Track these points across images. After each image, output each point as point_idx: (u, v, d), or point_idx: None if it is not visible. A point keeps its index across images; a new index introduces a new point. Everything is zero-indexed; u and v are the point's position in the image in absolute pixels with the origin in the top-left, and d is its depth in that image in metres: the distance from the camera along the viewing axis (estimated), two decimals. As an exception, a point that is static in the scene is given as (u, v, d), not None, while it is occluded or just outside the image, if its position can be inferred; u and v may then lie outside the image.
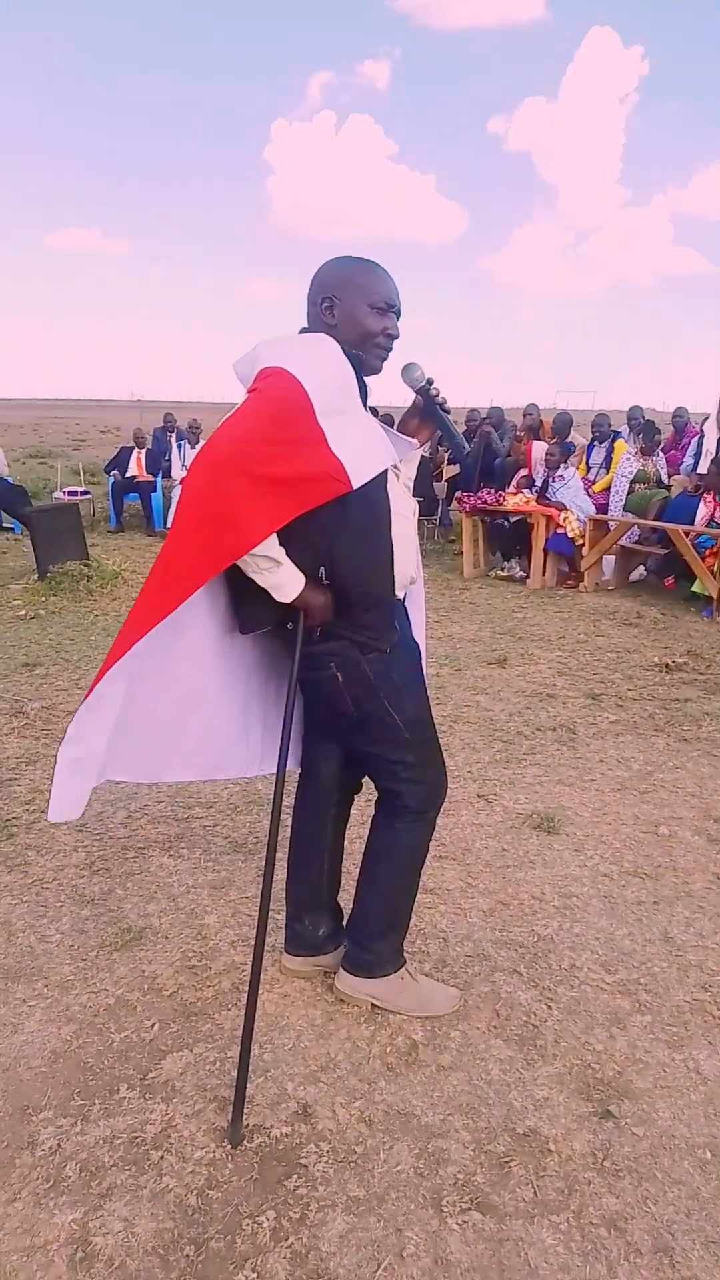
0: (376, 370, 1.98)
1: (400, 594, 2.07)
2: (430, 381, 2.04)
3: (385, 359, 1.99)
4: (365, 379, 1.95)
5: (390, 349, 1.99)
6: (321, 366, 1.82)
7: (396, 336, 1.97)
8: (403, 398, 2.19)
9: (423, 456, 2.48)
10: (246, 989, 2.28)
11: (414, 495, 2.18)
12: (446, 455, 9.64)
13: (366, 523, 1.90)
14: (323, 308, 1.94)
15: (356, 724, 2.06)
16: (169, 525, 9.76)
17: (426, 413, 2.08)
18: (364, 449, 1.84)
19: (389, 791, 2.15)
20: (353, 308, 1.93)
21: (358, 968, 2.22)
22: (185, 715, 2.07)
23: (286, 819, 2.35)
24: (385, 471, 1.90)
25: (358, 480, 1.80)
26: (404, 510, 2.03)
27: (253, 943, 2.47)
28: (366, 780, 2.28)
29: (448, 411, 2.08)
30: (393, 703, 2.03)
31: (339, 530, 1.87)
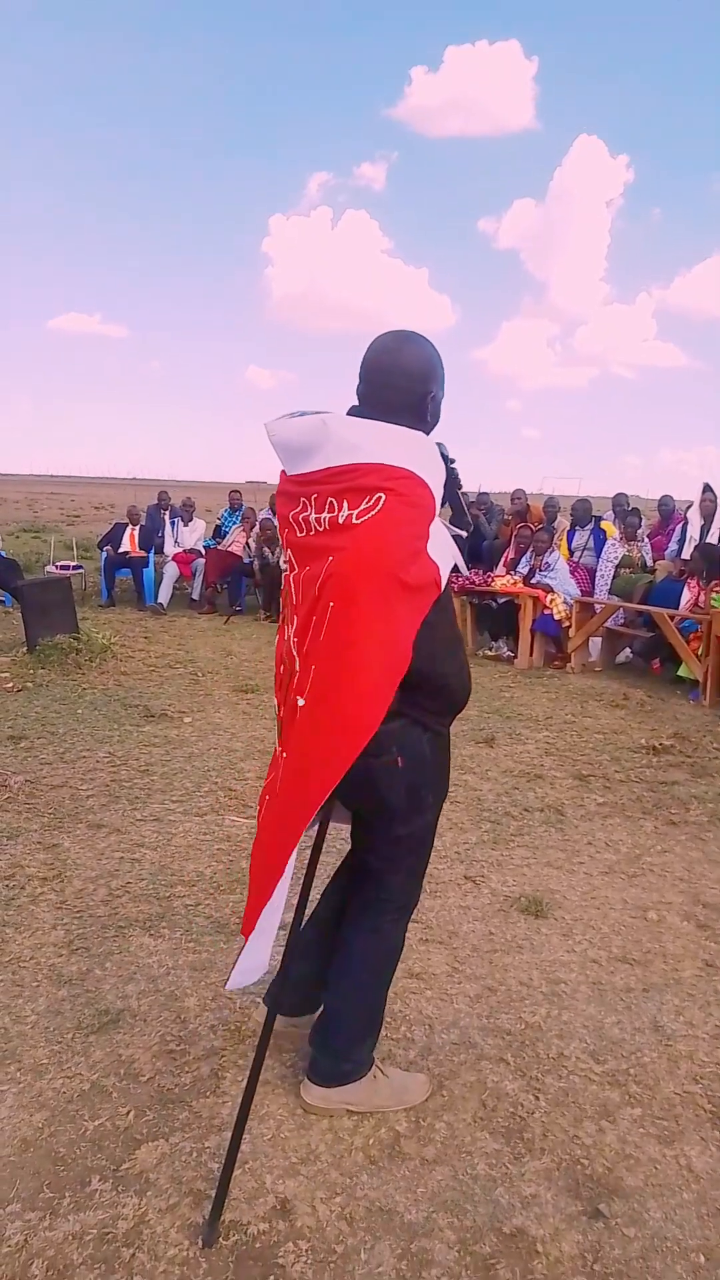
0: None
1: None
2: (453, 461, 1.98)
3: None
4: None
5: None
6: (434, 472, 1.76)
7: None
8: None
9: None
10: (226, 1075, 2.23)
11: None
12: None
13: (442, 615, 1.85)
14: (429, 402, 1.88)
15: (390, 811, 1.99)
16: (160, 601, 9.70)
17: (445, 492, 1.99)
18: (446, 550, 1.80)
19: (382, 887, 2.07)
20: (440, 401, 1.92)
21: (330, 1079, 2.11)
22: None
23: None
24: None
25: (443, 583, 1.78)
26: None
27: (234, 1026, 2.42)
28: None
29: (460, 489, 2.05)
30: (434, 792, 2.01)
31: (423, 624, 1.76)
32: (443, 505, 2.06)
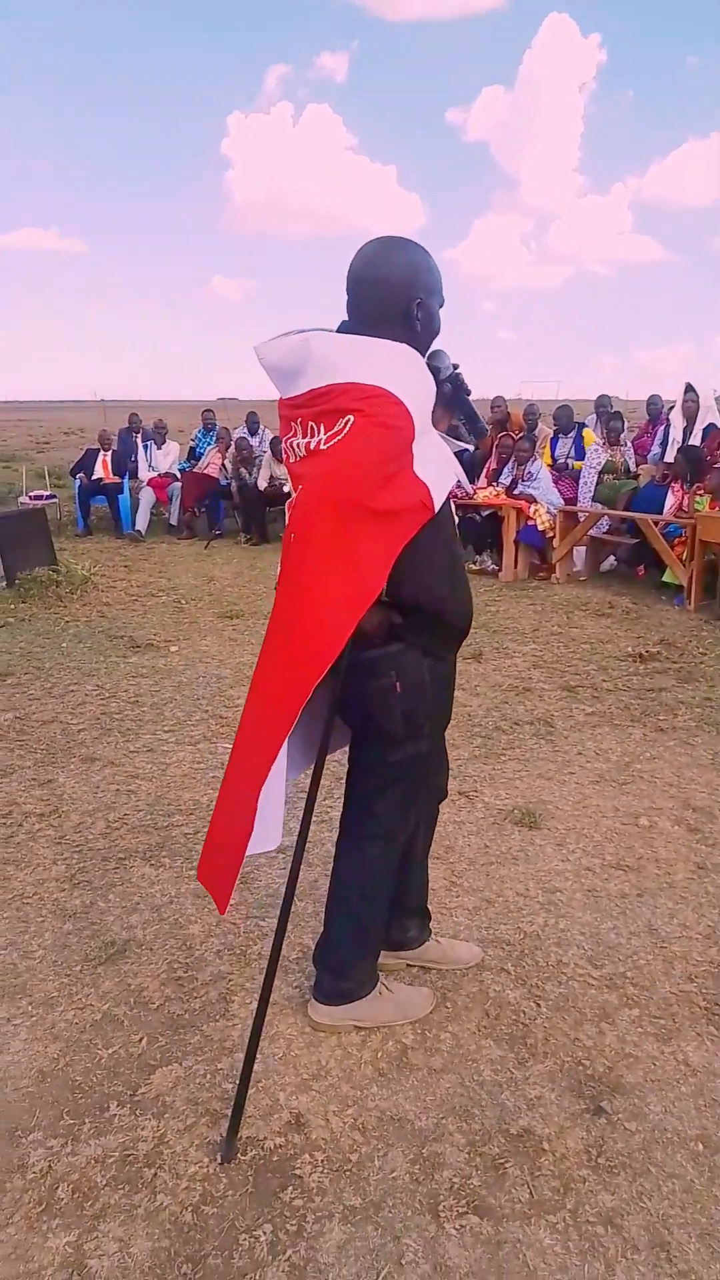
0: (437, 375, 1.85)
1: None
2: (456, 367, 1.93)
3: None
4: None
5: None
6: (416, 387, 1.70)
7: None
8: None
9: None
10: (234, 999, 2.28)
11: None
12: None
13: (436, 538, 1.82)
14: (415, 309, 1.81)
15: (384, 736, 1.96)
16: (137, 528, 9.59)
17: (451, 400, 1.94)
18: (441, 469, 1.76)
19: (370, 812, 2.07)
20: (432, 309, 1.83)
21: (335, 997, 2.16)
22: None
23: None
24: None
25: (438, 503, 1.74)
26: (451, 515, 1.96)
27: (239, 951, 2.47)
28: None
29: (469, 394, 1.96)
30: (432, 721, 2.00)
31: (412, 548, 1.74)
32: (456, 416, 1.97)
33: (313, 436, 1.71)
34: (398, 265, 1.80)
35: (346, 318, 1.86)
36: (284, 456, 1.90)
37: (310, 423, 1.71)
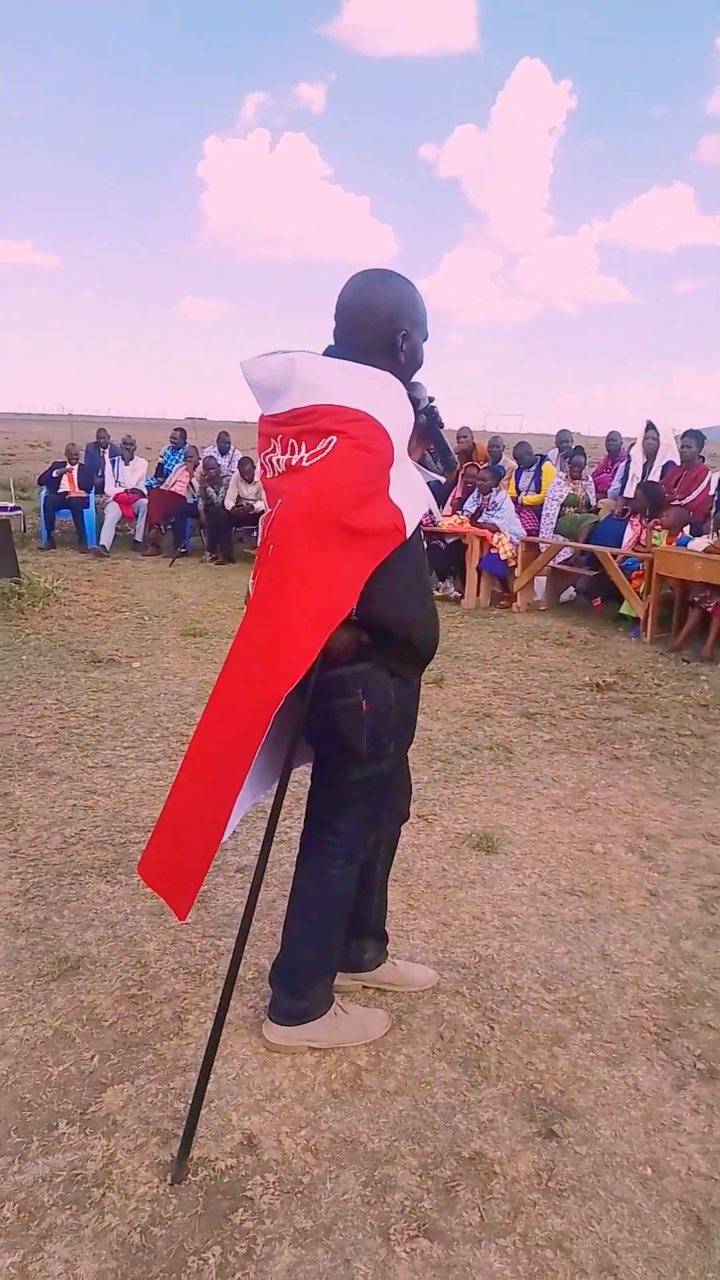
0: (415, 406, 1.88)
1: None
2: (432, 400, 1.96)
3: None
4: None
5: None
6: (397, 415, 1.75)
7: None
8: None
9: None
10: (189, 1018, 2.27)
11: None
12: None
13: (406, 562, 1.85)
14: (401, 341, 1.86)
15: (348, 754, 1.98)
16: (102, 543, 9.53)
17: (426, 431, 1.97)
18: (415, 496, 1.79)
19: (331, 831, 2.08)
20: (417, 342, 1.88)
21: (290, 1017, 2.16)
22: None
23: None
24: None
25: (410, 528, 1.77)
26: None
27: (194, 970, 2.45)
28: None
29: (443, 427, 2.01)
30: (396, 740, 2.02)
31: (383, 570, 1.77)
32: (428, 446, 2.02)
33: (293, 454, 1.74)
34: (386, 297, 1.86)
35: (333, 343, 1.90)
36: (261, 472, 1.93)
37: (291, 440, 1.75)
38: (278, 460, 1.80)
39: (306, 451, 1.71)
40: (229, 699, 1.81)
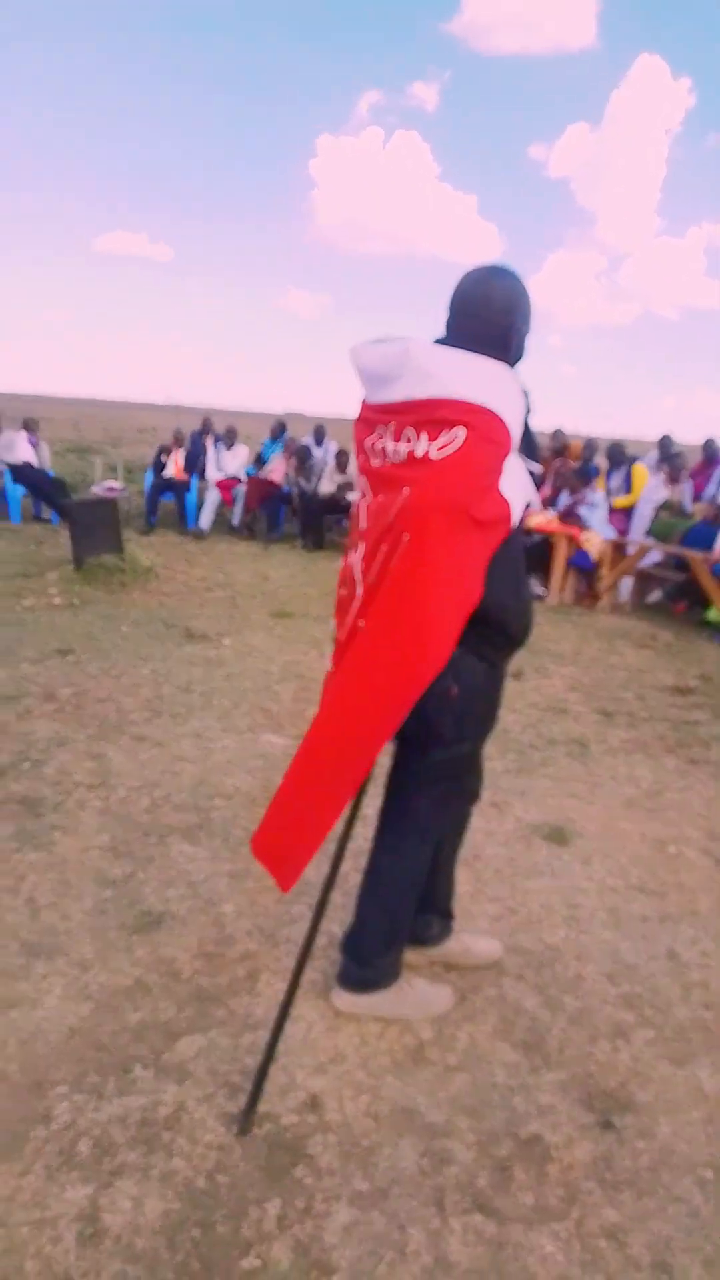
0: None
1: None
2: (527, 394, 1.95)
3: None
4: None
5: None
6: (515, 406, 1.77)
7: None
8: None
9: None
10: (260, 978, 2.34)
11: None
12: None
13: (508, 551, 1.87)
14: (511, 335, 1.90)
15: (434, 737, 2.03)
16: (201, 525, 9.73)
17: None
18: (520, 487, 1.82)
19: (409, 808, 2.14)
20: (524, 337, 1.93)
21: (360, 985, 2.22)
22: None
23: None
24: None
25: (516, 518, 1.81)
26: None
27: (269, 933, 2.53)
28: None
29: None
30: (481, 724, 2.07)
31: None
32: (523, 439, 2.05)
33: (411, 443, 1.76)
34: (504, 290, 1.90)
35: (444, 334, 1.94)
36: (360, 459, 1.95)
37: (409, 428, 1.77)
38: (391, 448, 1.81)
39: (430, 442, 1.73)
40: (364, 685, 1.82)
